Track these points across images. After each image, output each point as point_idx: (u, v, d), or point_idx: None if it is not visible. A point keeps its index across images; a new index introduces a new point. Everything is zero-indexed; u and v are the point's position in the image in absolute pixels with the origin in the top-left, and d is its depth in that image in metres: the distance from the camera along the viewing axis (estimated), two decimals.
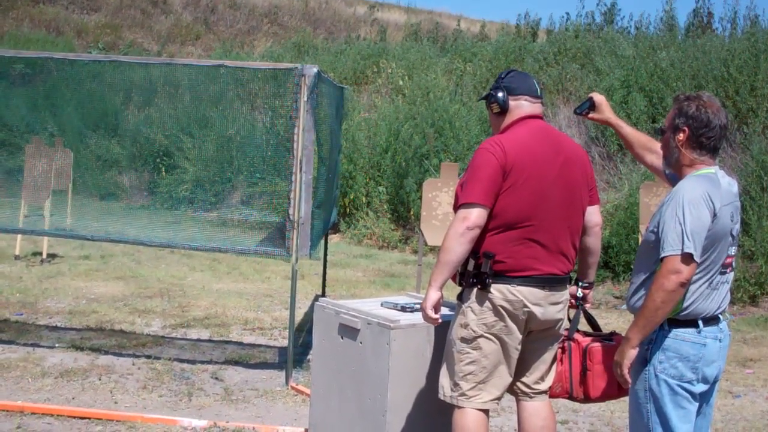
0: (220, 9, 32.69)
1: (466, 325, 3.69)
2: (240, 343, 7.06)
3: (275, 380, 6.06)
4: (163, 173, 17.55)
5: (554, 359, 3.90)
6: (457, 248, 3.58)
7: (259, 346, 7.01)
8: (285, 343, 7.00)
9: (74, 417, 5.05)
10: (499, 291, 3.62)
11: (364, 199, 13.59)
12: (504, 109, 3.75)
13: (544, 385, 3.88)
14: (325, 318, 4.47)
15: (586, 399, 3.90)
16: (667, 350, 3.23)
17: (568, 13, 15.83)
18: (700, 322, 3.23)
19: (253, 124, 14.73)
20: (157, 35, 29.35)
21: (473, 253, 3.62)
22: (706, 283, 3.21)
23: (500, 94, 3.74)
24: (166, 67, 8.08)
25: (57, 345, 6.60)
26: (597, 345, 3.85)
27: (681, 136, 3.28)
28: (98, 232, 7.98)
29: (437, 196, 8.52)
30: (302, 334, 7.23)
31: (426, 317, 3.71)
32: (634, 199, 10.44)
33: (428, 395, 4.05)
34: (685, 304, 3.20)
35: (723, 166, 3.18)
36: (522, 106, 3.76)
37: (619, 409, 5.79)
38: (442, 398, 3.81)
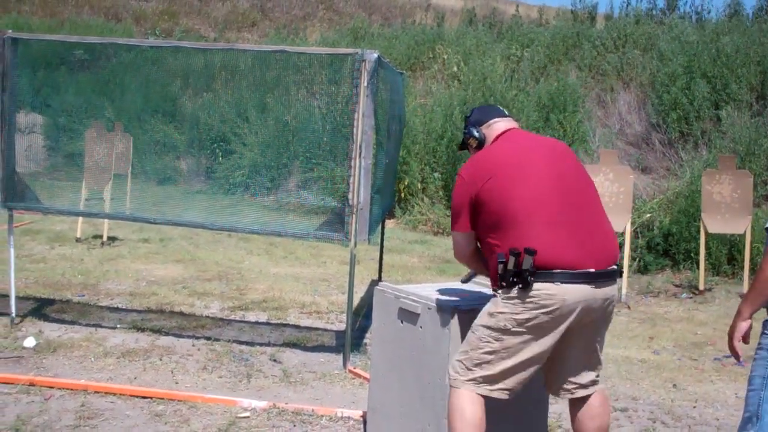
0: None
1: (494, 314, 3.60)
2: (297, 326, 7.09)
3: (332, 363, 6.07)
4: (220, 158, 17.71)
5: (600, 349, 3.79)
6: None
7: (317, 329, 7.04)
8: (342, 327, 7.04)
9: (136, 396, 5.12)
10: (542, 290, 3.49)
11: (419, 185, 13.56)
12: (482, 141, 3.91)
13: (594, 375, 3.77)
14: (385, 302, 4.46)
15: None
16: None
17: None
18: None
19: (310, 109, 14.77)
20: (214, 21, 29.57)
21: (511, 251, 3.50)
22: None
23: (474, 132, 3.92)
24: (226, 53, 8.00)
25: (119, 326, 6.70)
26: None
27: None
28: (157, 216, 8.05)
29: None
30: (359, 318, 7.23)
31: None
32: (696, 187, 10.26)
33: None
34: None
35: None
36: (496, 127, 3.91)
37: (679, 398, 5.71)
38: (448, 381, 3.74)
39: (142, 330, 6.61)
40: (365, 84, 5.74)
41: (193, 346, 6.30)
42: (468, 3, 36.44)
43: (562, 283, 3.47)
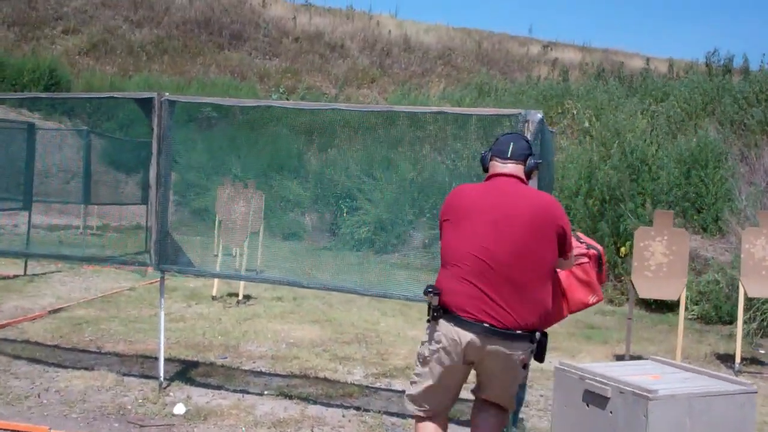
0: (395, 52, 33.17)
1: (422, 344, 4.17)
2: None
3: None
4: (345, 214, 17.70)
5: (500, 388, 4.21)
6: None
7: (467, 400, 6.70)
8: None
9: None
10: (441, 326, 4.02)
11: None
12: (485, 168, 4.34)
13: (493, 399, 4.27)
14: (568, 383, 4.15)
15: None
16: None
17: None
18: None
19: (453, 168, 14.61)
20: (335, 78, 29.99)
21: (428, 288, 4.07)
22: None
23: (484, 155, 4.34)
24: (384, 114, 7.82)
25: (266, 392, 6.53)
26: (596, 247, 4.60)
27: None
28: (290, 276, 7.91)
29: (649, 245, 8.04)
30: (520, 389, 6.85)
31: None
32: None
33: None
34: None
35: None
36: (494, 166, 4.28)
37: None
38: None
39: (290, 397, 6.42)
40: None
41: (344, 416, 6.06)
42: (587, 56, 36.07)
43: (456, 326, 3.95)
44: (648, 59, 23.58)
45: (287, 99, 25.68)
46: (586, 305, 4.59)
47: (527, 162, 4.28)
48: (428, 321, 4.13)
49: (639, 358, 8.34)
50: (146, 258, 6.42)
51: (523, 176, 4.26)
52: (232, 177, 19.54)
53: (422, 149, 18.39)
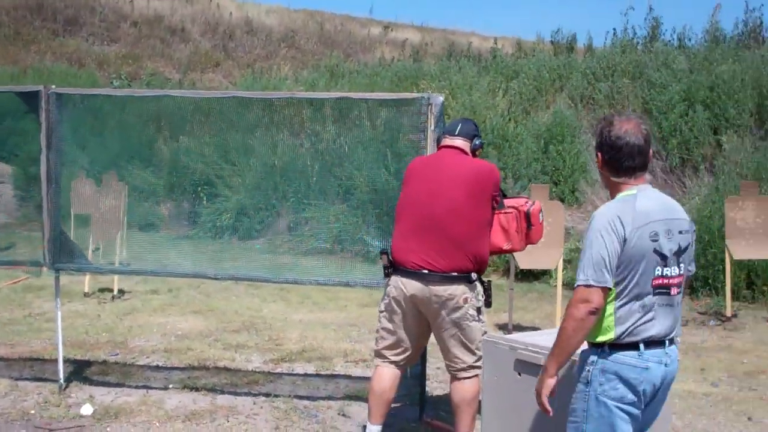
0: (237, 35, 32.74)
1: (380, 301, 4.88)
2: (349, 377, 6.89)
3: (403, 415, 5.87)
4: (205, 202, 17.33)
5: (460, 342, 4.71)
6: None
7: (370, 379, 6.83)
8: None
9: None
10: (392, 280, 4.74)
11: None
12: (438, 143, 5.06)
13: (458, 365, 4.76)
14: (498, 354, 4.32)
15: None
16: (608, 372, 3.25)
17: (615, 29, 15.71)
18: (641, 345, 3.23)
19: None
20: (178, 63, 29.35)
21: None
22: (639, 307, 3.20)
23: (438, 136, 5.11)
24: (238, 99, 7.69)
25: (171, 386, 6.43)
26: (535, 206, 5.00)
27: (598, 160, 3.40)
28: (159, 267, 7.64)
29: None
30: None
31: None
32: (709, 212, 10.32)
33: None
34: (621, 330, 3.22)
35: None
36: (444, 140, 5.00)
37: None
38: None
39: (196, 389, 6.35)
40: (432, 128, 5.62)
41: (255, 404, 6.06)
42: (426, 36, 36.71)
43: (402, 277, 4.65)
44: (495, 39, 24.27)
45: (129, 86, 24.89)
46: (501, 250, 5.05)
47: (473, 141, 4.98)
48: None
49: (519, 326, 8.73)
50: (39, 257, 6.16)
51: (468, 152, 4.94)
52: (80, 169, 18.81)
53: (279, 134, 18.24)
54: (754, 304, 9.72)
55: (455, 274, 4.62)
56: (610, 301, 3.23)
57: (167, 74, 28.36)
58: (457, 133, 4.98)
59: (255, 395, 6.27)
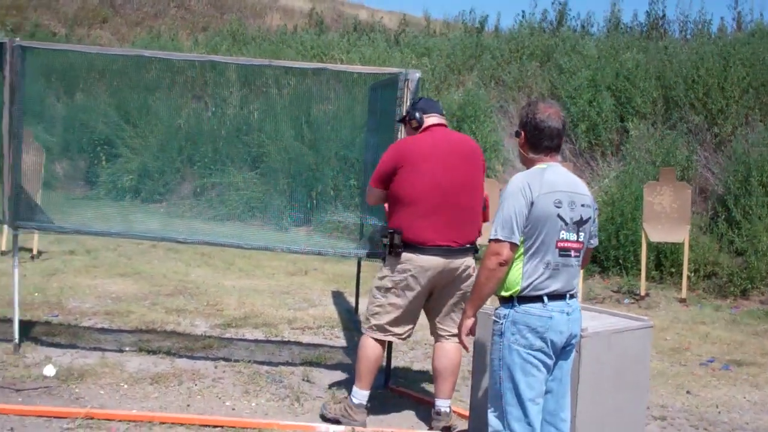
0: None
1: (382, 278, 4.94)
2: (300, 343, 7.00)
3: None
4: (104, 162, 16.91)
5: (460, 309, 4.85)
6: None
7: (323, 346, 6.98)
8: (343, 343, 7.07)
9: (207, 425, 4.94)
10: (406, 258, 4.83)
11: (332, 192, 13.59)
12: (420, 124, 5.05)
13: (452, 330, 4.97)
14: (488, 322, 4.53)
15: None
16: (518, 323, 3.68)
17: (523, 11, 16.15)
18: (545, 298, 3.68)
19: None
20: (64, 17, 28.30)
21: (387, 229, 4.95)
22: (543, 264, 3.66)
23: (417, 115, 5.06)
24: (264, 68, 7.64)
25: (126, 349, 6.39)
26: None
27: (521, 139, 3.84)
28: (126, 228, 7.57)
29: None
30: (354, 334, 7.19)
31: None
32: (621, 195, 10.86)
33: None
34: (526, 283, 3.67)
35: (564, 162, 3.97)
36: (429, 120, 5.06)
37: (700, 404, 6.08)
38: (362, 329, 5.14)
39: (153, 352, 6.33)
40: (408, 103, 5.75)
41: (216, 368, 6.11)
42: (317, 5, 36.52)
43: (422, 254, 4.80)
44: (378, 14, 24.44)
45: (16, 38, 23.81)
46: None
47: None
48: (386, 255, 4.97)
49: None
50: None
51: None
52: None
53: (183, 96, 17.91)
54: (662, 284, 10.29)
55: (468, 246, 4.94)
56: (518, 257, 3.68)
57: (53, 27, 27.33)
58: (441, 111, 5.22)
59: (213, 359, 6.31)
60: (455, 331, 4.89)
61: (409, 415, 5.45)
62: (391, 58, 15.63)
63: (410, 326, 5.06)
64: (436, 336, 5.14)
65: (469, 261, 4.97)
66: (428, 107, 5.16)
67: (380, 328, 4.99)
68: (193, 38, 24.00)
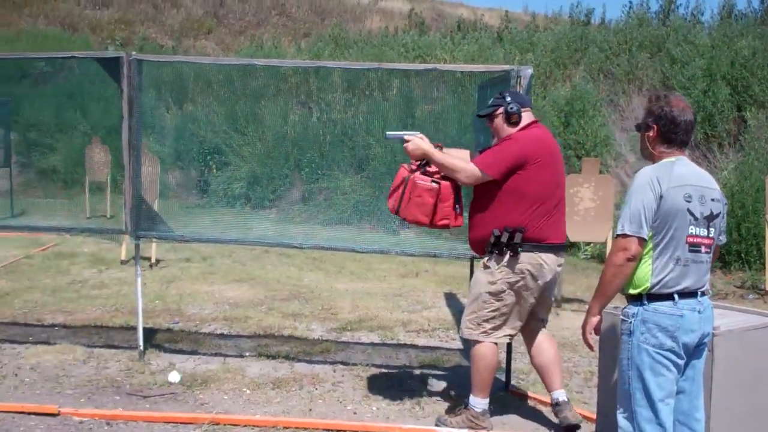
0: (228, 2, 32.41)
1: (494, 282, 4.78)
2: (416, 346, 6.96)
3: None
4: (214, 170, 17.26)
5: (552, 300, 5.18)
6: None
7: (440, 348, 6.91)
8: (460, 345, 6.99)
9: (330, 430, 4.95)
10: (528, 257, 4.74)
11: None
12: (519, 117, 4.85)
13: (546, 322, 5.15)
14: (611, 320, 4.40)
15: (404, 219, 4.99)
16: (647, 322, 3.57)
17: (631, 2, 15.74)
18: (676, 296, 3.55)
19: None
20: (170, 29, 29.07)
21: (504, 227, 4.71)
22: (673, 261, 3.54)
23: (515, 108, 4.84)
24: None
25: (246, 354, 6.48)
26: (422, 182, 4.84)
27: (651, 133, 3.68)
28: (242, 236, 7.75)
29: (578, 191, 8.46)
30: None
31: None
32: (741, 187, 10.46)
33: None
34: (655, 280, 3.55)
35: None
36: (527, 115, 4.93)
37: None
38: (463, 336, 5.00)
39: (272, 357, 6.40)
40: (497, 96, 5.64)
41: (335, 372, 6.12)
42: (416, 6, 36.56)
43: (543, 252, 4.76)
44: (480, 12, 24.23)
45: (131, 52, 24.59)
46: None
47: None
48: (495, 255, 4.80)
49: (564, 298, 8.82)
50: (121, 225, 6.14)
51: None
52: (80, 134, 18.60)
53: (288, 103, 18.13)
54: None
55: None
56: (647, 253, 3.57)
57: (160, 41, 28.10)
58: (531, 104, 5.19)
59: (331, 363, 6.33)
60: (547, 321, 5.15)
61: (530, 414, 5.38)
62: (494, 55, 15.47)
63: (521, 323, 5.02)
64: (537, 329, 5.14)
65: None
66: (523, 101, 5.00)
67: (496, 330, 4.89)
68: (296, 45, 24.34)
